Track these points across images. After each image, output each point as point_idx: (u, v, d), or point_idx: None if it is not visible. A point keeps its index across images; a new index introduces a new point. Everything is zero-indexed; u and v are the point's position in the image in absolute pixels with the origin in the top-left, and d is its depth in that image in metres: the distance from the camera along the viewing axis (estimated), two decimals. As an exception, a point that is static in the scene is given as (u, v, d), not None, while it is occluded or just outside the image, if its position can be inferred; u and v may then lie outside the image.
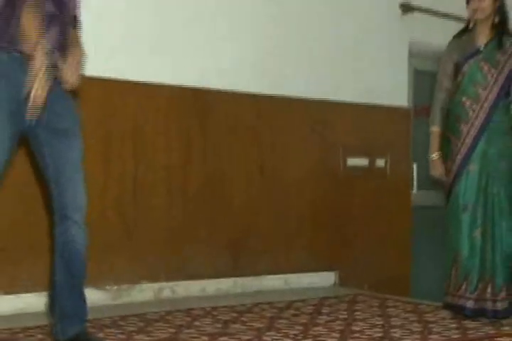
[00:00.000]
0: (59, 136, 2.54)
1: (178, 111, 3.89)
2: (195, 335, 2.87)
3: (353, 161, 4.61)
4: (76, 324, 2.59)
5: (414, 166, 4.92)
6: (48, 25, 2.46)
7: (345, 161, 4.58)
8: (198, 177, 3.95)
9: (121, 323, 3.04)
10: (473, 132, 3.30)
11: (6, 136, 2.44)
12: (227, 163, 4.07)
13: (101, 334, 2.85)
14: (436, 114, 3.44)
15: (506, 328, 3.11)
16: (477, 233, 3.28)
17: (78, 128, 2.59)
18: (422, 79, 5.04)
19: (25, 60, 2.40)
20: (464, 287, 3.28)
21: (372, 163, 4.71)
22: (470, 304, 3.26)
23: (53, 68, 2.46)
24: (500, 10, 3.36)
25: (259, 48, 4.18)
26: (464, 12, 3.51)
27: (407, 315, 3.41)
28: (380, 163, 4.75)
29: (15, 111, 2.43)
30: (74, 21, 2.67)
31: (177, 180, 3.87)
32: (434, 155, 3.43)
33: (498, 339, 2.92)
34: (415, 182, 4.96)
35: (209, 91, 3.96)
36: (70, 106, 2.60)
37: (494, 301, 3.27)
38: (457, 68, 3.39)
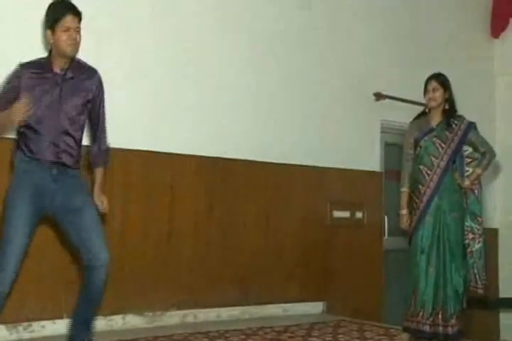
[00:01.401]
0: (73, 213, 2.59)
1: (204, 175, 3.93)
2: (212, 352, 2.90)
3: (337, 213, 4.62)
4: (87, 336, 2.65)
5: (385, 218, 4.90)
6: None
7: (331, 213, 4.58)
8: (217, 225, 3.97)
9: (155, 342, 3.09)
10: (428, 192, 3.33)
11: (29, 213, 2.51)
12: (240, 214, 4.08)
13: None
14: (405, 178, 3.45)
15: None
16: (432, 270, 3.28)
17: (87, 199, 2.64)
18: (391, 150, 5.02)
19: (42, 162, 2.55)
20: (421, 314, 3.26)
21: (352, 214, 4.71)
22: (426, 328, 3.25)
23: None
24: (448, 99, 3.44)
25: (268, 130, 4.27)
26: (421, 99, 3.60)
27: (380, 337, 3.42)
28: (359, 215, 4.75)
29: (35, 196, 2.53)
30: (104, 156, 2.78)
31: (201, 228, 3.89)
32: (403, 211, 3.44)
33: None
34: (386, 230, 4.93)
35: (228, 160, 4.02)
36: (79, 183, 2.66)
37: (445, 326, 3.25)
38: (416, 142, 3.44)
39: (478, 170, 3.39)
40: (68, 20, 2.52)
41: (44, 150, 2.56)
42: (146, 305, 3.55)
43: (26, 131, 2.57)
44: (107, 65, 2.92)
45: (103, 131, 2.75)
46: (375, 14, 5.00)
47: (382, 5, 5.05)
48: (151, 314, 3.57)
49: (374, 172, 4.91)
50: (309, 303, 4.33)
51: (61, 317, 3.12)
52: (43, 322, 3.13)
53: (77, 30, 2.56)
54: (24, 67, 2.58)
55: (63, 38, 2.52)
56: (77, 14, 2.56)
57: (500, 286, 5.73)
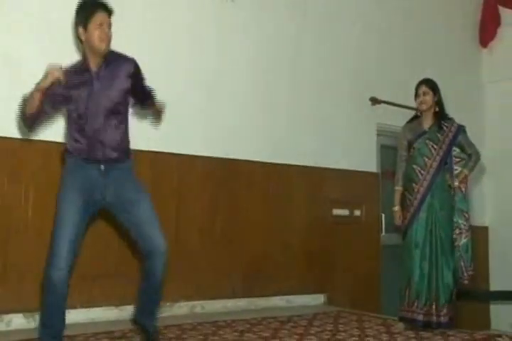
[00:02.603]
0: (128, 205, 2.51)
1: (209, 174, 3.90)
2: (219, 341, 2.88)
3: (337, 211, 4.57)
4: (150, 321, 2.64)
5: (383, 215, 4.86)
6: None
7: (331, 211, 4.54)
8: (223, 223, 3.92)
9: (164, 331, 3.02)
10: (422, 190, 3.32)
11: (79, 205, 2.43)
12: (244, 213, 4.04)
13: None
14: (399, 178, 3.45)
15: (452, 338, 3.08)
16: (425, 264, 3.27)
17: (142, 193, 2.55)
18: (386, 152, 4.97)
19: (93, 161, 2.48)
20: (416, 304, 3.26)
21: (351, 212, 4.67)
22: (420, 317, 3.24)
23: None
24: (438, 102, 3.43)
25: (270, 132, 4.24)
26: (413, 104, 3.59)
27: (377, 327, 3.36)
28: (357, 212, 4.71)
29: (87, 190, 2.46)
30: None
31: (207, 225, 3.85)
32: (396, 208, 3.45)
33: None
34: (383, 227, 4.89)
35: (231, 160, 3.98)
36: (130, 177, 2.57)
37: (438, 316, 3.25)
38: (410, 144, 3.43)
39: (466, 171, 3.40)
40: (100, 16, 2.43)
41: (90, 147, 2.46)
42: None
43: (72, 129, 2.48)
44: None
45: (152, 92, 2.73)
46: (370, 26, 4.98)
47: (376, 16, 5.03)
48: (161, 305, 3.48)
49: (371, 172, 4.87)
50: (311, 295, 4.29)
51: (75, 307, 3.10)
52: (57, 312, 3.09)
53: (109, 26, 2.47)
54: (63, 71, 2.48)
55: (96, 33, 2.42)
56: (109, 10, 2.47)
57: (490, 280, 5.71)
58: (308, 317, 3.65)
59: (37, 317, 2.96)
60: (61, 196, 2.46)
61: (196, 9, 3.95)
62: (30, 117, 2.46)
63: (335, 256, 4.49)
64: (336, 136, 4.64)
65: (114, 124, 2.52)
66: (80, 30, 2.47)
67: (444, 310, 3.25)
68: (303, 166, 4.38)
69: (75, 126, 2.49)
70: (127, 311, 3.33)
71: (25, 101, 2.44)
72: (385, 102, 4.90)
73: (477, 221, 5.12)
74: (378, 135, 5.01)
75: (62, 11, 3.29)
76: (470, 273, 3.32)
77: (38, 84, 2.38)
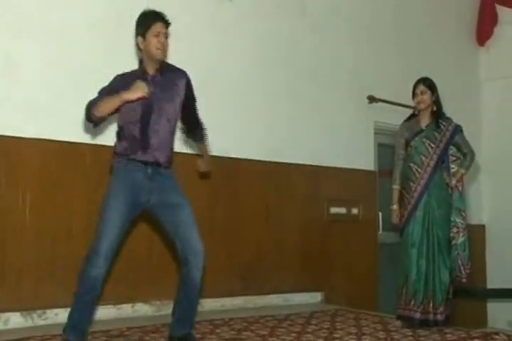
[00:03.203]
0: (171, 208, 2.58)
1: (208, 173, 3.80)
2: (216, 340, 2.85)
3: (334, 210, 4.55)
4: (185, 327, 2.64)
5: (380, 213, 4.84)
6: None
7: (328, 209, 4.52)
8: (221, 220, 3.91)
9: (162, 329, 3.01)
10: (419, 189, 3.31)
11: (122, 212, 2.49)
12: (243, 211, 4.03)
13: (147, 338, 2.82)
14: (397, 176, 3.44)
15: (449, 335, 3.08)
16: (422, 262, 3.27)
17: (183, 197, 2.62)
18: (384, 150, 5.00)
19: (141, 164, 2.54)
20: (412, 302, 3.26)
21: (348, 211, 4.65)
22: (417, 315, 3.24)
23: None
24: (436, 101, 3.43)
25: (269, 131, 4.23)
26: (410, 102, 3.58)
27: (374, 325, 3.35)
28: (354, 211, 4.69)
29: (133, 193, 2.51)
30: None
31: (205, 221, 3.73)
32: (394, 207, 3.43)
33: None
34: (380, 226, 4.87)
35: (231, 159, 3.96)
36: (174, 183, 2.64)
37: (435, 314, 3.25)
38: (407, 142, 3.42)
39: (462, 170, 3.39)
40: (158, 26, 2.58)
41: (141, 149, 2.54)
42: (154, 295, 3.51)
43: (124, 132, 2.56)
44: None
45: (200, 123, 2.83)
46: (367, 25, 4.96)
47: (372, 15, 5.02)
48: (158, 303, 3.52)
49: (368, 171, 4.85)
50: (308, 293, 4.27)
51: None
52: (56, 310, 3.08)
53: (166, 36, 2.61)
54: (121, 76, 2.60)
55: (153, 42, 2.56)
56: (166, 21, 2.62)
57: (488, 278, 5.71)
58: (305, 315, 3.63)
59: (34, 315, 2.98)
60: (107, 201, 2.50)
61: (194, 9, 3.92)
62: (98, 120, 2.56)
63: (332, 255, 4.48)
64: (333, 135, 4.62)
65: (169, 129, 2.62)
66: (139, 39, 2.61)
67: (441, 308, 3.25)
68: (301, 165, 4.36)
69: (127, 128, 2.56)
70: (125, 310, 3.36)
71: (97, 104, 2.50)
72: (382, 101, 4.88)
73: (474, 219, 5.13)
74: (376, 133, 4.98)
75: (62, 11, 3.31)
76: (467, 271, 3.32)
77: (121, 95, 2.47)
